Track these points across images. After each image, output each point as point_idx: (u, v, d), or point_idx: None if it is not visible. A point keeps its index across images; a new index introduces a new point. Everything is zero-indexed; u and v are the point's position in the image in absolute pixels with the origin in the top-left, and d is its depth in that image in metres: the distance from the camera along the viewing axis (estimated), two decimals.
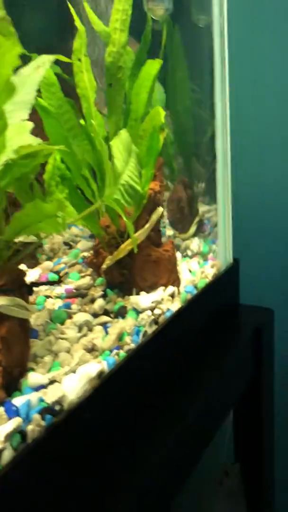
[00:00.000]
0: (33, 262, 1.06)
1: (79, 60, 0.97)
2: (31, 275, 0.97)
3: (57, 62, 1.22)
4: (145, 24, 1.03)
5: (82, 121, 0.86)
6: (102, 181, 0.89)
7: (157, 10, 0.98)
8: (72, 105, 0.98)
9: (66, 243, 1.19)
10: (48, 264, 1.05)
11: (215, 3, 1.09)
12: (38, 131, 0.87)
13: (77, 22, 0.95)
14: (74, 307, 0.87)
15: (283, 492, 1.59)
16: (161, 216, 0.98)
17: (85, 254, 1.09)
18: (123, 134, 0.85)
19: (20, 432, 0.59)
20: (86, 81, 0.97)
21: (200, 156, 1.43)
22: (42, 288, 0.94)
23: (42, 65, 0.69)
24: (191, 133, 1.22)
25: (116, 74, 0.99)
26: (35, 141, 0.68)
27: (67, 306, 0.87)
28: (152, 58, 0.97)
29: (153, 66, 0.91)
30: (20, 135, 0.63)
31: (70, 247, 1.18)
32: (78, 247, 1.16)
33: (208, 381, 0.94)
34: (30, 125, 0.65)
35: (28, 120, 0.67)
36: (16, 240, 0.73)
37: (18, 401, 0.62)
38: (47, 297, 0.90)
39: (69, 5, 0.97)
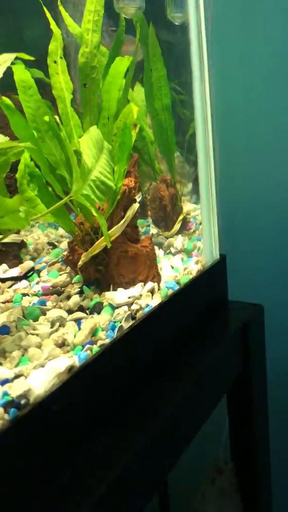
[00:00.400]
0: (16, 262, 1.07)
1: (55, 62, 0.98)
2: (9, 274, 0.98)
3: (40, 66, 1.24)
4: (118, 24, 1.04)
5: (47, 118, 0.86)
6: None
7: (128, 9, 0.99)
8: (50, 106, 0.99)
9: (50, 243, 1.20)
10: (29, 263, 1.05)
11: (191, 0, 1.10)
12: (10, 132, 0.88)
13: (53, 25, 0.97)
14: (49, 304, 0.87)
15: (281, 491, 1.57)
16: (143, 212, 0.98)
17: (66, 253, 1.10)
18: (93, 130, 0.85)
19: None
20: (62, 82, 0.98)
21: (187, 156, 1.43)
22: (21, 286, 0.94)
23: (3, 63, 0.70)
24: (172, 132, 1.23)
25: (90, 74, 1.00)
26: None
27: (42, 303, 0.87)
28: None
29: (122, 63, 0.92)
30: None
31: (54, 246, 1.18)
32: (61, 246, 1.17)
33: (188, 378, 0.93)
34: None
35: None
36: None
37: None
38: (24, 295, 0.91)
39: (45, 9, 0.98)
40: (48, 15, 0.97)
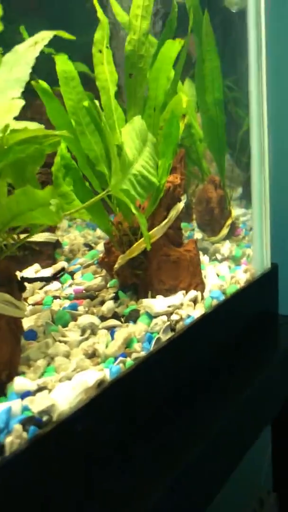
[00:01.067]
0: (50, 262, 1.01)
1: (100, 51, 0.92)
2: (41, 274, 0.91)
3: (84, 60, 1.18)
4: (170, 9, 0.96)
5: (86, 103, 0.79)
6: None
7: None
8: (92, 99, 0.92)
9: (87, 245, 1.13)
10: (62, 264, 0.99)
11: None
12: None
13: (100, 13, 0.90)
14: (81, 308, 0.80)
15: None
16: (187, 215, 0.90)
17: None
18: (137, 120, 0.78)
19: None
20: (106, 73, 0.91)
21: (238, 158, 1.34)
22: (52, 288, 0.87)
23: (40, 41, 0.64)
24: (223, 130, 1.14)
25: (137, 63, 0.92)
26: (33, 125, 0.63)
27: (73, 307, 0.80)
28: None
29: (172, 48, 0.84)
30: (9, 114, 0.58)
31: (91, 248, 1.12)
32: (98, 248, 1.10)
33: (234, 401, 0.83)
34: (21, 103, 0.59)
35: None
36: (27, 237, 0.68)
37: None
38: (56, 297, 0.84)
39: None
40: (95, 2, 0.91)
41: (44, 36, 0.65)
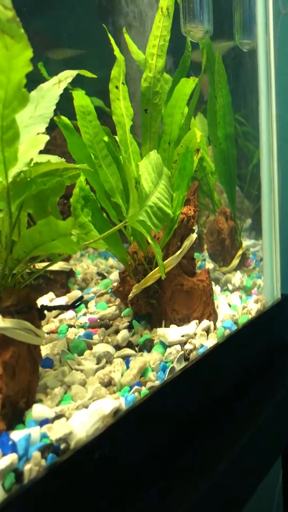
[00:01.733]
0: (63, 291, 1.03)
1: (117, 87, 0.95)
2: (55, 303, 0.93)
3: (100, 95, 1.22)
4: (185, 49, 1.00)
5: (105, 138, 0.82)
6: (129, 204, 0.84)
7: (196, 33, 0.95)
8: (108, 133, 0.95)
9: (99, 274, 1.15)
10: (77, 293, 1.00)
11: (260, 27, 1.06)
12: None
13: (116, 51, 0.95)
14: (96, 337, 0.81)
15: None
16: (198, 245, 0.92)
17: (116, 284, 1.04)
18: (153, 154, 0.80)
19: (15, 470, 0.52)
20: (122, 108, 0.95)
21: (247, 189, 1.37)
22: (67, 317, 0.89)
23: (64, 79, 0.67)
24: (234, 163, 1.17)
25: (152, 99, 0.96)
26: (55, 159, 0.65)
27: (89, 336, 0.81)
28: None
29: (187, 86, 0.87)
30: (35, 149, 0.60)
31: (103, 277, 1.13)
32: (111, 277, 1.11)
33: (245, 430, 0.83)
34: (46, 138, 0.62)
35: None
36: (39, 266, 0.69)
37: (16, 435, 0.55)
38: (71, 326, 0.85)
39: (109, 35, 0.97)
40: (112, 41, 0.95)
41: (67, 75, 0.68)
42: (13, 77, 0.52)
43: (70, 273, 1.09)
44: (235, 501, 0.81)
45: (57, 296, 1.00)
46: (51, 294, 0.98)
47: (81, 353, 0.76)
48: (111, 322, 0.87)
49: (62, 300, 0.95)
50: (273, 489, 1.28)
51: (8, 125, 0.55)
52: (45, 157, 0.63)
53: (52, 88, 0.66)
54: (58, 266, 1.00)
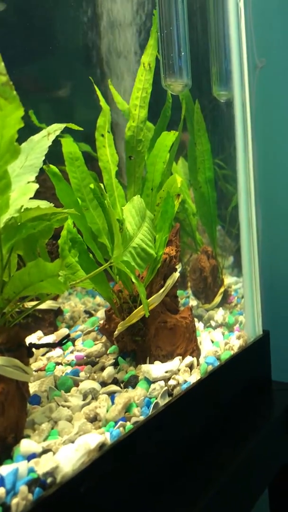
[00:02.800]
0: (51, 329, 1.05)
1: (102, 135, 1.02)
2: (45, 341, 0.95)
3: (87, 140, 1.29)
4: (165, 100, 1.08)
5: (92, 185, 0.87)
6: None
7: (176, 86, 1.03)
8: (95, 177, 1.01)
9: (87, 312, 1.18)
10: (65, 331, 1.03)
11: (236, 79, 1.14)
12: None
13: (102, 102, 1.02)
14: (82, 374, 0.83)
15: None
16: (181, 283, 0.96)
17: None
18: (136, 199, 0.86)
19: (2, 504, 0.54)
20: (108, 155, 1.01)
21: (229, 230, 1.42)
22: (54, 354, 0.91)
23: (52, 132, 0.73)
24: (214, 205, 1.23)
25: (136, 147, 1.02)
26: (44, 204, 0.70)
27: (75, 373, 0.83)
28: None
29: (168, 138, 0.94)
30: (25, 196, 0.65)
31: (91, 315, 1.16)
32: (98, 315, 1.15)
33: (229, 465, 0.85)
34: (35, 186, 0.66)
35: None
36: (28, 304, 0.73)
37: (5, 469, 0.57)
38: (58, 363, 0.88)
39: (95, 87, 1.04)
40: (98, 92, 1.02)
41: (56, 128, 0.74)
42: (6, 133, 0.57)
43: (58, 312, 1.12)
44: None
45: (45, 334, 1.02)
46: (39, 332, 1.01)
47: (68, 390, 0.78)
48: (97, 359, 0.89)
49: (50, 338, 0.97)
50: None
51: (1, 175, 0.59)
52: (34, 203, 0.67)
53: (42, 140, 0.71)
54: (46, 304, 1.03)
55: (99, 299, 1.29)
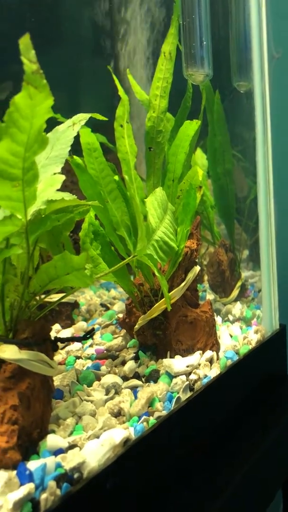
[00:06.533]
0: (68, 323, 1.05)
1: (121, 126, 1.00)
2: (63, 334, 0.94)
3: (104, 131, 1.27)
4: (185, 90, 1.06)
5: (116, 177, 0.86)
6: (137, 239, 0.87)
7: (197, 76, 1.01)
8: (113, 169, 1.00)
9: (103, 305, 1.17)
10: (82, 324, 1.02)
11: (256, 69, 1.12)
12: (81, 194, 0.88)
13: (121, 92, 1.00)
14: (104, 368, 0.83)
15: None
16: (200, 277, 0.95)
17: (120, 315, 1.06)
18: (159, 191, 0.84)
19: (31, 500, 0.53)
20: (127, 146, 0.99)
21: (244, 222, 1.41)
22: (73, 348, 0.90)
23: (78, 122, 0.71)
24: (233, 197, 1.21)
25: (155, 138, 1.00)
26: (68, 196, 0.69)
27: (96, 367, 0.83)
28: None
29: (190, 127, 0.92)
30: (52, 188, 0.64)
31: (107, 308, 1.15)
32: (115, 308, 1.14)
33: (248, 458, 0.85)
34: (62, 178, 0.65)
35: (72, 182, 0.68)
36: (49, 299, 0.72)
37: (33, 465, 0.57)
38: (78, 357, 0.87)
39: (114, 76, 1.02)
40: (116, 81, 1.01)
41: (81, 118, 0.72)
42: (35, 123, 0.56)
43: (75, 305, 1.11)
44: None
45: (63, 327, 1.01)
46: (57, 326, 1.00)
47: (90, 384, 0.78)
48: (117, 353, 0.89)
49: (68, 332, 0.97)
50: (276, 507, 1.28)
51: (29, 166, 0.58)
52: (59, 195, 0.66)
53: (67, 130, 0.70)
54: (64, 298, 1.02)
55: (114, 292, 1.28)
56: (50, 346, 0.66)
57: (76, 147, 0.95)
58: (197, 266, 0.91)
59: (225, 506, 0.75)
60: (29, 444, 0.62)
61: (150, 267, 0.81)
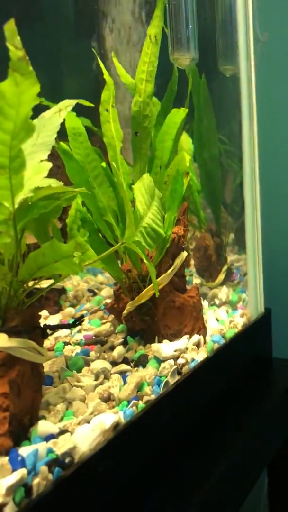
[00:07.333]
0: (56, 309, 1.05)
1: (107, 110, 0.99)
2: (51, 321, 0.95)
3: (88, 115, 1.26)
4: (172, 74, 1.05)
5: (103, 164, 0.86)
6: (124, 225, 0.88)
7: (183, 60, 1.00)
8: (99, 154, 0.99)
9: (90, 290, 1.17)
10: (70, 310, 1.02)
11: (242, 53, 1.11)
12: (66, 178, 0.88)
13: (106, 75, 0.98)
14: (93, 354, 0.83)
15: None
16: (186, 262, 0.95)
17: (108, 300, 1.07)
18: (146, 178, 0.84)
19: (24, 485, 0.54)
20: (112, 130, 0.98)
21: (230, 206, 1.42)
22: (62, 334, 0.91)
23: (64, 108, 0.70)
24: (219, 182, 1.22)
25: (142, 123, 1.00)
26: (55, 183, 0.68)
27: (85, 353, 0.83)
28: (178, 107, 0.98)
29: (178, 115, 0.92)
30: (39, 175, 0.63)
31: (94, 294, 1.16)
32: (102, 293, 1.14)
33: (234, 440, 0.87)
34: (49, 165, 0.65)
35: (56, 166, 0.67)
36: (38, 286, 0.72)
37: (25, 450, 0.58)
38: (66, 343, 0.88)
39: (99, 60, 1.01)
40: (101, 64, 0.99)
41: (67, 104, 0.72)
42: (21, 111, 0.55)
43: (62, 291, 1.11)
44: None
45: (50, 313, 1.02)
46: (44, 312, 1.01)
47: (79, 370, 0.79)
48: (106, 338, 0.89)
49: (56, 318, 0.97)
50: (261, 488, 1.32)
51: (16, 154, 0.58)
52: (45, 181, 0.66)
53: (53, 117, 0.69)
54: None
55: (101, 277, 1.29)
56: (40, 334, 0.66)
57: (60, 131, 0.94)
58: (185, 252, 0.92)
59: (214, 488, 0.77)
60: (20, 430, 0.62)
61: (138, 253, 0.82)
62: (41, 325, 0.67)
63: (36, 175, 0.63)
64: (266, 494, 1.27)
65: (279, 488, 1.23)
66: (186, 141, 1.27)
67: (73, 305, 1.10)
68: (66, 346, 0.87)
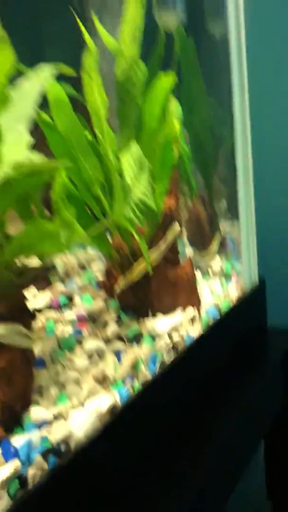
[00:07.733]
0: (45, 285, 1.01)
1: (90, 77, 0.93)
2: (41, 299, 0.92)
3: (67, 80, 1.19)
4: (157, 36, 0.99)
5: (87, 134, 0.81)
6: (112, 198, 0.83)
7: (168, 21, 0.94)
8: (84, 123, 0.94)
9: (80, 265, 1.14)
10: (60, 286, 0.99)
11: (231, 13, 1.05)
12: (45, 149, 0.83)
13: (87, 38, 0.92)
14: (85, 332, 0.81)
15: None
16: (179, 234, 0.92)
17: (99, 275, 1.04)
18: (134, 147, 0.80)
19: (19, 477, 0.52)
20: (97, 97, 0.93)
21: (222, 172, 1.37)
22: (53, 312, 0.88)
23: (43, 76, 0.65)
24: (210, 148, 1.17)
25: (126, 87, 0.94)
26: (36, 157, 0.64)
27: (78, 331, 0.81)
28: (165, 70, 0.92)
29: (166, 80, 0.86)
30: (18, 150, 0.59)
31: (85, 268, 1.12)
32: (93, 268, 1.11)
33: (234, 413, 0.86)
34: (28, 139, 0.60)
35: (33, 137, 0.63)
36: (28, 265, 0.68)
37: (18, 440, 0.55)
38: (57, 321, 0.85)
39: (78, 21, 0.94)
40: (82, 28, 0.93)
41: (46, 71, 0.66)
42: None
43: (50, 266, 1.07)
44: (227, 483, 0.84)
45: (39, 290, 0.98)
46: (34, 290, 0.97)
47: (72, 350, 0.76)
48: (98, 315, 0.87)
49: (45, 296, 0.94)
50: (258, 462, 1.33)
51: None
52: (26, 156, 0.61)
53: (31, 86, 0.64)
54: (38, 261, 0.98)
55: (91, 251, 1.25)
56: (28, 316, 0.63)
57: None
58: (177, 225, 0.89)
59: (213, 462, 0.76)
60: (12, 418, 0.60)
61: (128, 228, 0.78)
62: (29, 308, 0.64)
63: (15, 150, 0.59)
64: (263, 468, 1.28)
65: (275, 459, 1.24)
66: (174, 106, 1.21)
67: (63, 281, 1.07)
68: (57, 324, 0.84)
